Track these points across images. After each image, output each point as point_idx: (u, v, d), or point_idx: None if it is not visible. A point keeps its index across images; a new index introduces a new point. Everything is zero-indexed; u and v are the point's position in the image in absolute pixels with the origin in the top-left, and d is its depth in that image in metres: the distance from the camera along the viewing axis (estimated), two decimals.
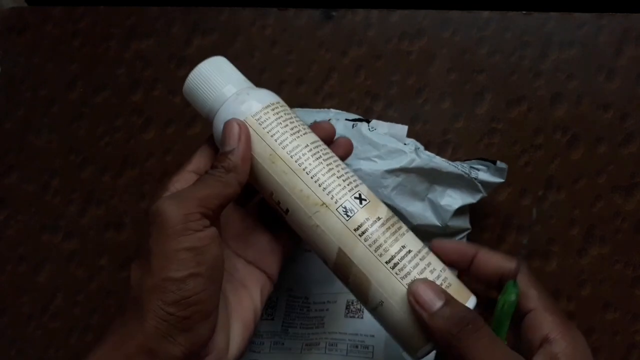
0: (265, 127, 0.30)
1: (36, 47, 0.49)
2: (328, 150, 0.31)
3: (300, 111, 0.42)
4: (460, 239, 0.39)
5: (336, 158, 0.31)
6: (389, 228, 0.29)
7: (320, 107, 0.44)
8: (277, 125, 0.30)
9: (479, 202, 0.39)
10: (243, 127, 0.29)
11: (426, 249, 0.29)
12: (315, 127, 0.33)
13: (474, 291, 0.29)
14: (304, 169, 0.29)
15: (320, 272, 0.39)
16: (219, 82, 0.31)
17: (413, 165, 0.38)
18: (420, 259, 0.28)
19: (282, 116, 0.31)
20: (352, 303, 0.38)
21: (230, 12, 0.48)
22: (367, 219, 0.29)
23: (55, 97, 0.48)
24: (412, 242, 0.29)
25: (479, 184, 0.38)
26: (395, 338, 0.29)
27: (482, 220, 0.42)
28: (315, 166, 0.30)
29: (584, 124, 0.43)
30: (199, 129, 0.46)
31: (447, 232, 0.39)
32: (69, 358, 0.43)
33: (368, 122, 0.40)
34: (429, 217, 0.38)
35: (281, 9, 0.48)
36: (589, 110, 0.43)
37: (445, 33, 0.46)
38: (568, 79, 0.44)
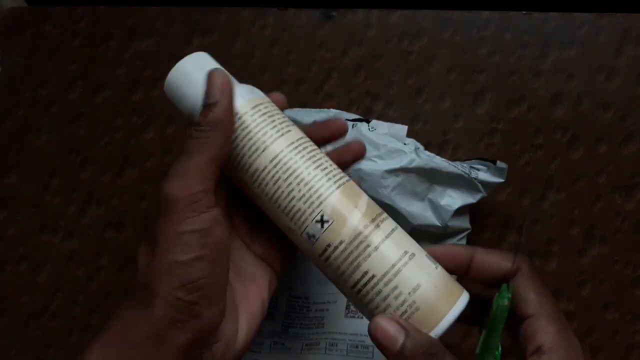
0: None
1: (36, 47, 0.49)
2: (290, 162, 0.28)
3: (300, 111, 0.42)
4: (460, 239, 0.39)
5: (299, 171, 0.28)
6: (351, 252, 0.27)
7: (320, 107, 0.44)
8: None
9: (479, 202, 0.39)
10: (226, 79, 0.29)
11: (397, 266, 0.27)
12: (325, 124, 0.32)
13: (469, 290, 0.28)
14: (266, 194, 0.29)
15: (320, 272, 0.39)
16: (200, 77, 0.29)
17: (413, 165, 0.38)
18: (385, 284, 0.27)
19: (264, 119, 0.29)
20: None
21: (230, 12, 0.48)
22: (329, 245, 0.28)
23: (55, 97, 0.48)
24: (379, 262, 0.27)
25: (479, 184, 0.38)
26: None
27: (482, 220, 0.42)
28: (275, 190, 0.28)
29: (584, 124, 0.43)
30: None
31: (447, 232, 0.39)
32: (69, 358, 0.43)
33: (368, 122, 0.40)
34: (429, 217, 0.38)
35: (281, 9, 0.48)
36: (589, 110, 0.43)
37: (445, 33, 0.46)
38: (568, 79, 0.44)
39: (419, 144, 0.40)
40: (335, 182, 0.28)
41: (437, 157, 0.38)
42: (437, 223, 0.38)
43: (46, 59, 0.49)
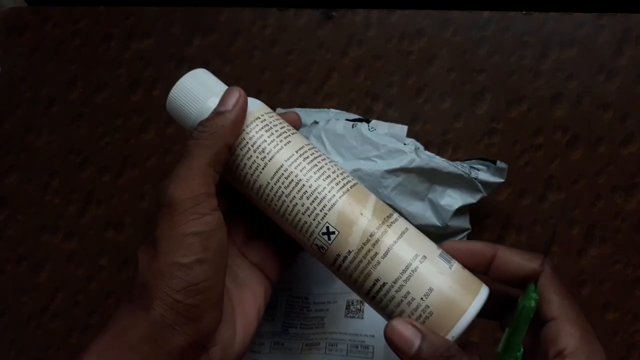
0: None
1: (36, 47, 0.49)
2: (292, 175, 0.28)
3: (300, 111, 0.42)
4: (460, 239, 0.39)
5: (301, 184, 0.28)
6: (360, 261, 0.27)
7: (320, 107, 0.44)
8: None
9: (479, 202, 0.39)
10: (243, 96, 0.29)
11: (408, 271, 0.27)
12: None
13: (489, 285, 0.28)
14: (272, 209, 0.29)
15: (320, 272, 0.39)
16: (202, 94, 0.30)
17: (413, 165, 0.38)
18: (397, 291, 0.26)
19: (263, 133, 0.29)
20: (352, 303, 0.38)
21: (230, 12, 0.48)
22: (339, 255, 0.28)
23: (55, 97, 0.48)
24: (389, 269, 0.27)
25: (479, 184, 0.38)
26: None
27: (482, 220, 0.42)
28: (280, 205, 0.28)
29: (584, 124, 0.43)
30: None
31: (447, 232, 0.39)
32: (69, 358, 0.43)
33: (368, 122, 0.40)
34: (429, 217, 0.38)
35: (281, 9, 0.48)
36: (589, 110, 0.43)
37: (445, 33, 0.46)
38: (568, 79, 0.44)
39: (419, 144, 0.40)
40: (340, 188, 0.28)
41: (437, 157, 0.38)
42: (437, 223, 0.38)
43: (46, 59, 0.49)
